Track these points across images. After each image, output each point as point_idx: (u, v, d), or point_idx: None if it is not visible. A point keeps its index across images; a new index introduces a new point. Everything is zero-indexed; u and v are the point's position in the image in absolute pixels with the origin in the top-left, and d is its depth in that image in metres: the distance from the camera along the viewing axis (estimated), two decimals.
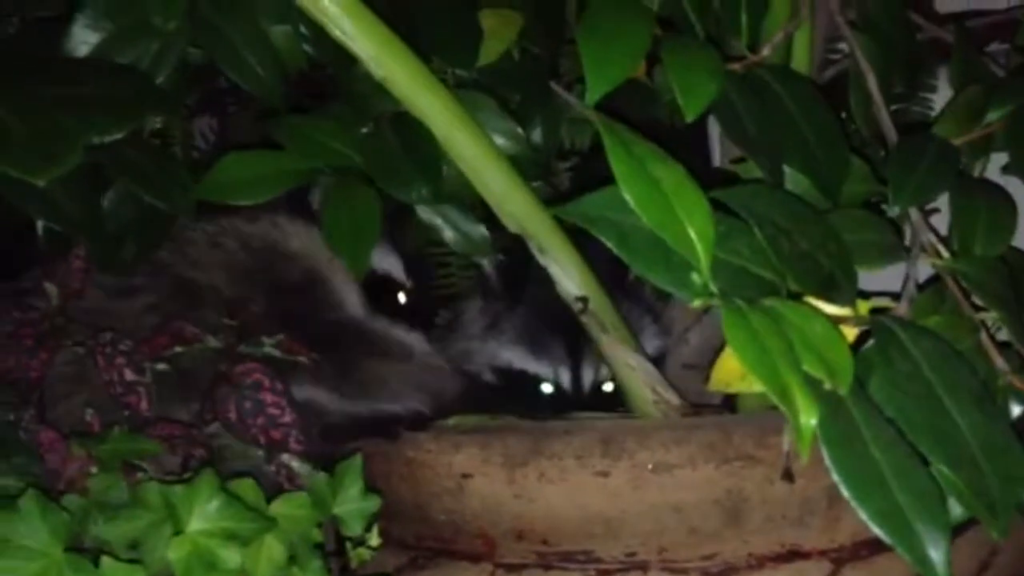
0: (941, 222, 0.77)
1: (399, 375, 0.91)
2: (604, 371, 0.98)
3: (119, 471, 0.69)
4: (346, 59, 0.79)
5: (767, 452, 0.76)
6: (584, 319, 0.84)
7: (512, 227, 0.82)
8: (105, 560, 0.63)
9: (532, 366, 1.00)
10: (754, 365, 0.55)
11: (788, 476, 0.75)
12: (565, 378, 0.99)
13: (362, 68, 0.79)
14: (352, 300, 0.93)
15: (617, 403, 0.91)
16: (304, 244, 0.92)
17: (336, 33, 0.77)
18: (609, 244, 0.61)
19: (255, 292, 0.88)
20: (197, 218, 0.86)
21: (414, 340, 0.94)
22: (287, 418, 0.75)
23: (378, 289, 0.95)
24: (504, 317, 1.02)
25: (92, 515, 0.67)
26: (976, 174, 0.82)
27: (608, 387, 1.00)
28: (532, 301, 0.88)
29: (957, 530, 0.60)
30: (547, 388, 1.00)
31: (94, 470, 0.70)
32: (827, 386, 0.57)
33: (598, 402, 0.97)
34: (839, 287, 0.64)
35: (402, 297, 0.98)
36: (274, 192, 0.81)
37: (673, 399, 0.85)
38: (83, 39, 0.78)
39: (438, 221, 0.91)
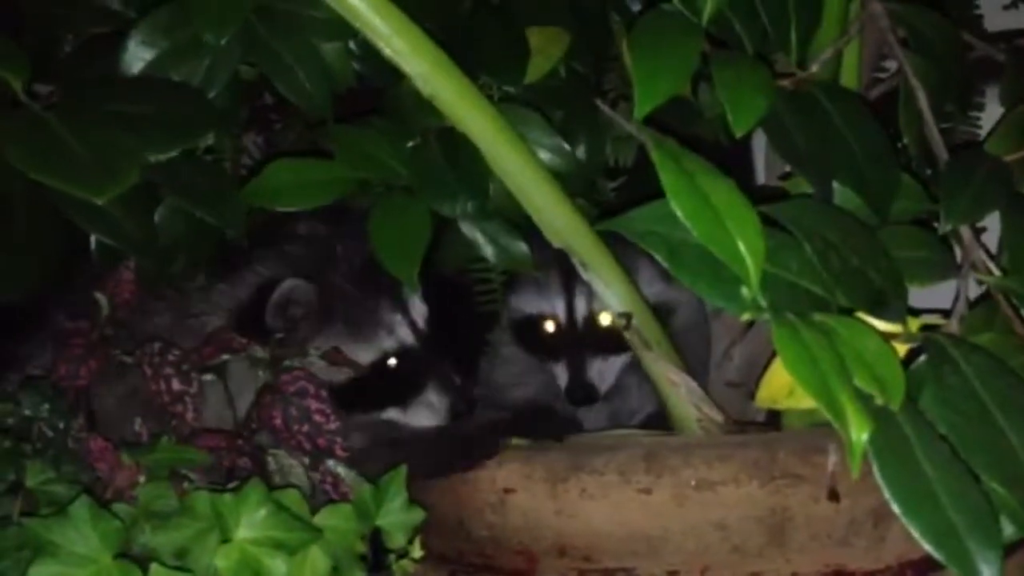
0: (988, 240, 0.76)
1: None
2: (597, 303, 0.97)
3: (167, 480, 0.70)
4: (394, 76, 0.80)
5: (812, 471, 0.76)
6: (627, 335, 0.84)
7: (556, 242, 0.83)
8: (154, 567, 0.64)
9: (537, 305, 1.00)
10: (805, 379, 0.55)
11: (834, 495, 0.75)
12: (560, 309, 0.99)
13: (410, 85, 0.80)
14: None
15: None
16: None
17: (386, 51, 0.77)
18: (659, 258, 0.61)
19: None
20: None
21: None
22: (332, 425, 0.75)
23: None
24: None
25: (139, 523, 0.68)
26: None
27: (605, 319, 0.99)
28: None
29: (1008, 550, 0.59)
30: (550, 327, 0.99)
31: (142, 479, 0.71)
32: (878, 402, 0.57)
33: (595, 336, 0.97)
34: (889, 303, 0.64)
35: None
36: (320, 200, 0.82)
37: (717, 416, 0.84)
38: (138, 55, 0.79)
39: (478, 236, 0.91)
